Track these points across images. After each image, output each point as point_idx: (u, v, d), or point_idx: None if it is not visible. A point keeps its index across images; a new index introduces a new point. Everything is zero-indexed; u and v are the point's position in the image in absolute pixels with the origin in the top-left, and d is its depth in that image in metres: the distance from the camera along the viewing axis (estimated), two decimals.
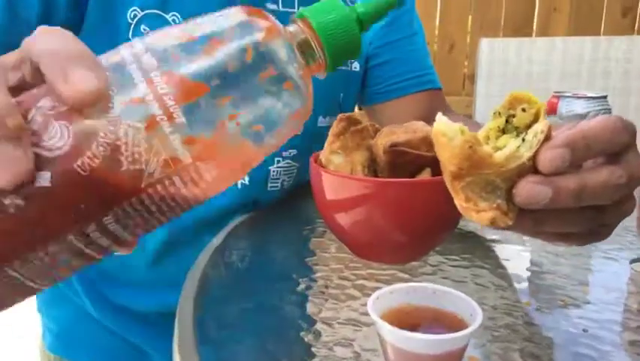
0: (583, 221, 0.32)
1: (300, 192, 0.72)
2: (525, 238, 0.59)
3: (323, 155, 0.48)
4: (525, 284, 0.49)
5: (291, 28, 0.32)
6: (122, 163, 0.25)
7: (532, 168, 0.30)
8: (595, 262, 0.55)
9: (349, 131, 0.49)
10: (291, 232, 0.64)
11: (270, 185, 0.69)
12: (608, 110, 0.66)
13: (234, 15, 0.30)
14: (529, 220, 0.31)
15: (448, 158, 0.30)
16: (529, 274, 0.52)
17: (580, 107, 0.64)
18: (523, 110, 0.31)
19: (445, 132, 0.30)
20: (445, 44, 2.14)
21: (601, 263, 0.56)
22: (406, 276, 0.50)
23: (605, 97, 0.65)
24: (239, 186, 0.66)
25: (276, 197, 0.71)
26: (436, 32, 2.13)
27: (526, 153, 0.29)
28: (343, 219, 0.46)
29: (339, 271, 0.51)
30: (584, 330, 0.41)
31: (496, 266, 0.52)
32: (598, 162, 0.33)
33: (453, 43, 2.14)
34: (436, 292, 0.38)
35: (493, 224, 0.30)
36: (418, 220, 0.44)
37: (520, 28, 2.08)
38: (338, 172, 0.46)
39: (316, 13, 0.33)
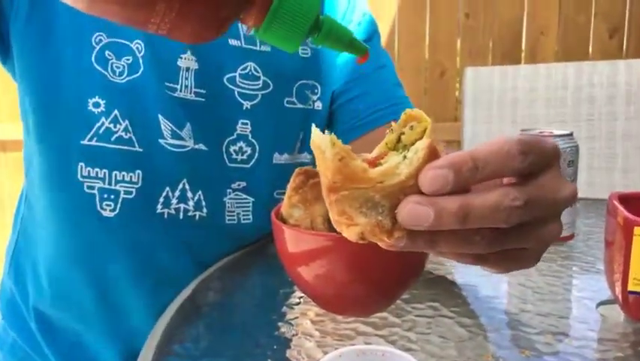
0: (483, 243, 0.29)
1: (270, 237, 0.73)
2: (494, 280, 0.59)
3: (283, 209, 0.48)
4: (489, 334, 0.49)
5: None
6: None
7: (417, 187, 0.28)
8: (562, 307, 0.55)
9: (307, 185, 0.49)
10: (258, 285, 0.64)
11: (227, 218, 0.70)
12: (575, 147, 0.66)
13: None
14: (422, 241, 0.29)
15: (322, 170, 0.29)
16: (494, 322, 0.51)
17: None
18: (411, 127, 0.30)
19: (319, 144, 0.29)
20: (436, 70, 2.15)
21: (568, 308, 0.55)
22: (369, 329, 0.49)
23: (570, 134, 0.65)
24: (196, 217, 0.67)
25: (241, 234, 0.71)
26: (427, 58, 2.15)
27: (404, 170, 0.28)
28: (306, 273, 0.46)
29: (303, 326, 0.51)
30: None
31: (462, 315, 0.52)
32: (502, 183, 0.31)
33: (444, 70, 2.15)
34: (385, 354, 0.38)
35: (363, 239, 0.29)
36: (380, 272, 0.43)
37: (508, 52, 2.10)
38: (298, 227, 0.46)
39: None
